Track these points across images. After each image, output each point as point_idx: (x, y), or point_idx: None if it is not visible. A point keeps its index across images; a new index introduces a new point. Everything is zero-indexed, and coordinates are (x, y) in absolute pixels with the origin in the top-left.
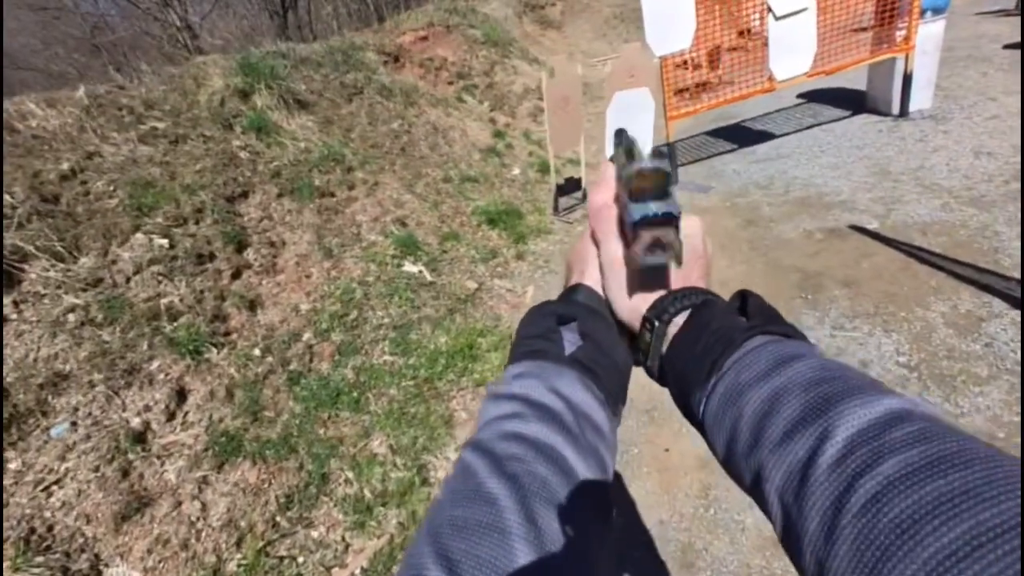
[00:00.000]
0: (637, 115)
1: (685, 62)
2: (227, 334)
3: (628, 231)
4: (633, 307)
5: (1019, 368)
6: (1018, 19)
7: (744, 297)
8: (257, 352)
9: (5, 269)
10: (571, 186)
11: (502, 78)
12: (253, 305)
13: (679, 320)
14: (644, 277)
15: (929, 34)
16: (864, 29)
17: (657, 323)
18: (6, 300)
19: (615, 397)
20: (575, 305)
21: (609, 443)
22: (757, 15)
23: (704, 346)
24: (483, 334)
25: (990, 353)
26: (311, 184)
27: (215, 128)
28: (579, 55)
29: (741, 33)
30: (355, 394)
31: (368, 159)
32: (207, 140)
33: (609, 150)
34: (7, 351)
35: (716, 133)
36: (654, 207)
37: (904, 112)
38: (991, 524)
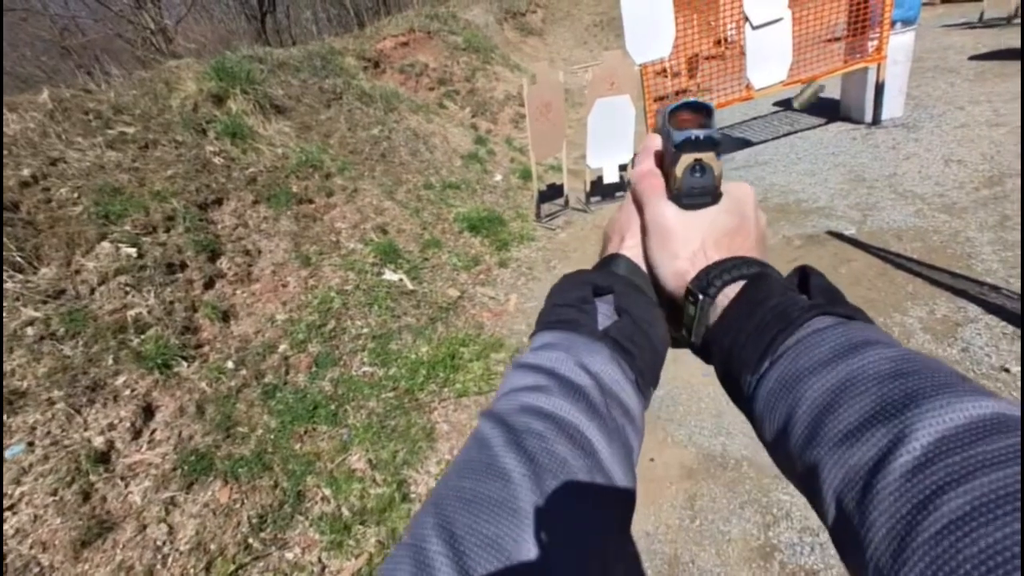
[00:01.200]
0: (618, 122)
1: (664, 70)
2: (199, 346)
3: (669, 158)
4: (678, 272)
5: (994, 372)
6: (982, 31)
7: (805, 273)
8: (230, 365)
9: None
10: (553, 192)
11: (484, 84)
12: (227, 316)
13: (729, 292)
14: (686, 204)
15: (899, 45)
16: (837, 39)
17: (703, 296)
18: None
19: (648, 380)
20: (613, 276)
21: (637, 427)
22: (733, 25)
23: (758, 323)
24: (465, 343)
25: (967, 358)
26: (288, 191)
27: (188, 133)
28: (560, 62)
29: (718, 42)
30: (333, 407)
31: (347, 165)
32: (179, 146)
33: (591, 157)
34: None
35: None
36: (696, 132)
37: (877, 120)
38: None
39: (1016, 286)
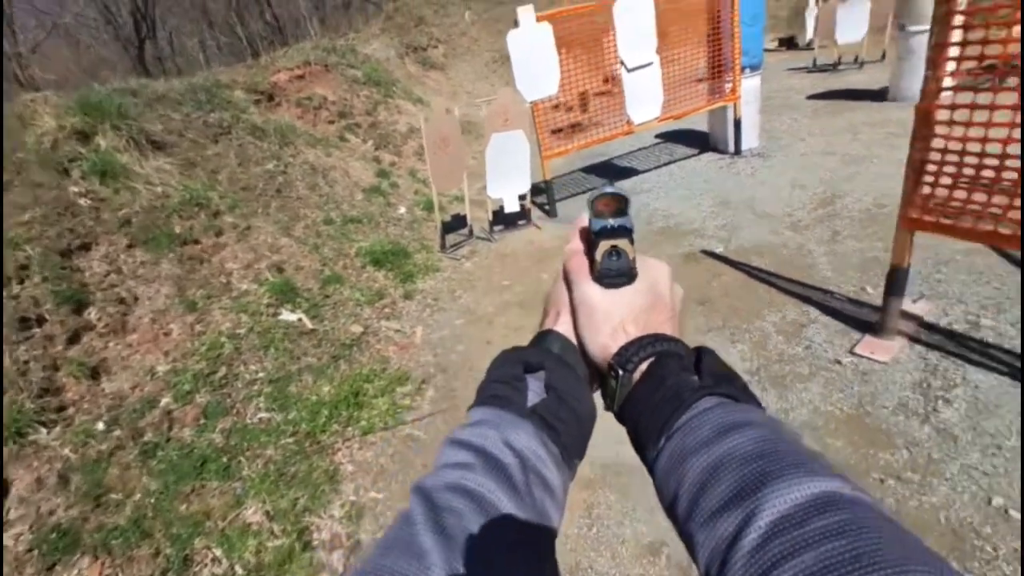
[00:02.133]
0: (514, 154)
1: (559, 105)
2: (61, 409)
3: (590, 243)
4: (603, 347)
5: (830, 365)
6: (816, 75)
7: (700, 353)
8: (100, 426)
9: None
10: (457, 223)
11: (386, 117)
12: (96, 372)
13: (642, 367)
14: (606, 284)
15: (750, 87)
16: (702, 80)
17: (622, 372)
18: None
19: (572, 452)
20: (545, 353)
21: (557, 499)
22: (618, 64)
23: (657, 402)
24: (370, 379)
25: (809, 355)
26: (170, 232)
27: (46, 174)
28: (463, 95)
29: (606, 80)
30: (225, 460)
31: (238, 202)
32: (36, 187)
33: (492, 188)
34: None
35: (589, 170)
36: (612, 221)
37: (738, 151)
38: None
39: (846, 289)
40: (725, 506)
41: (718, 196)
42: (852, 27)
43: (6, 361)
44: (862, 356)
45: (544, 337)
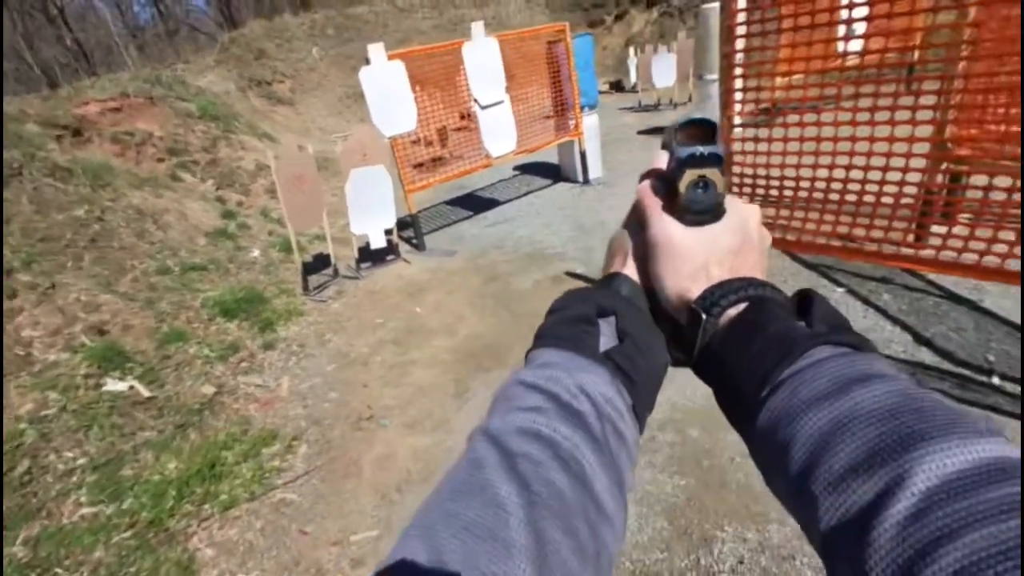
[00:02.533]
0: (376, 189)
1: (418, 140)
2: None
3: (673, 173)
4: (683, 291)
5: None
6: (642, 113)
7: (808, 299)
8: None
9: None
10: (320, 263)
11: (228, 154)
12: None
13: (732, 313)
14: (689, 220)
15: (590, 124)
16: (549, 117)
17: (706, 316)
18: None
19: (644, 406)
20: (617, 297)
21: (631, 453)
22: (474, 100)
23: (758, 351)
24: (228, 445)
25: None
26: None
27: None
28: (316, 131)
29: (463, 116)
30: None
31: (36, 257)
32: None
33: (355, 224)
34: None
35: (453, 202)
36: (701, 148)
37: (586, 180)
38: None
39: None
40: (860, 467)
41: (574, 222)
42: (664, 74)
43: None
44: None
45: (611, 280)
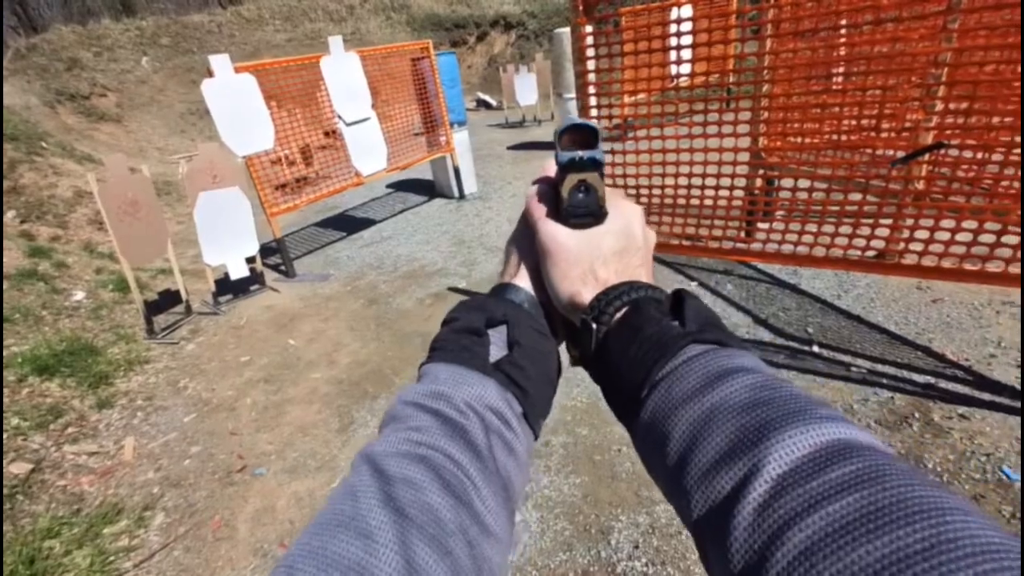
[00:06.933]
0: (232, 214)
1: (280, 159)
2: None
3: (556, 178)
4: (573, 294)
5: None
6: (510, 129)
7: (680, 298)
8: None
9: None
10: (169, 300)
11: (35, 180)
12: None
13: (618, 317)
14: (573, 223)
15: (460, 140)
16: (419, 134)
17: (596, 324)
18: None
19: (538, 411)
20: (508, 305)
21: (521, 462)
22: (338, 117)
23: (637, 353)
24: (54, 532)
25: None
26: None
27: None
28: (153, 152)
29: (327, 133)
30: None
31: None
32: None
33: (208, 254)
34: None
35: (325, 224)
36: (581, 153)
37: (462, 195)
38: None
39: None
40: (723, 460)
41: (453, 237)
42: (527, 93)
43: None
44: None
45: (503, 289)
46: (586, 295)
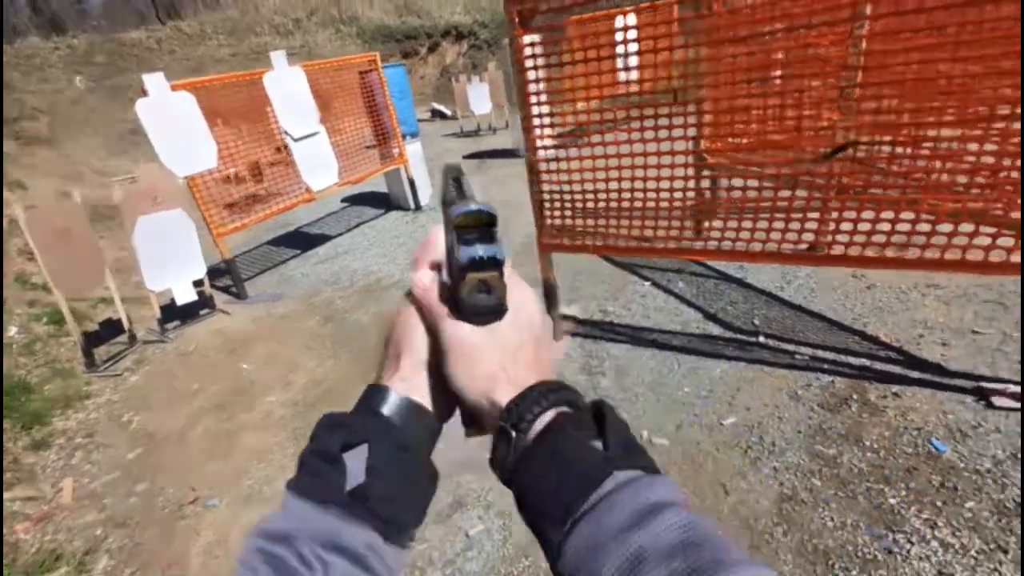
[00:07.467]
0: (175, 237)
1: (229, 177)
2: None
3: (455, 273)
4: (480, 392)
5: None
6: (465, 139)
7: (601, 411)
8: None
9: None
10: (111, 330)
11: None
12: None
13: (538, 428)
14: (474, 322)
15: (414, 151)
16: (371, 147)
17: (516, 434)
18: None
19: (402, 531)
20: (373, 421)
21: None
22: (285, 133)
23: (558, 481)
24: None
25: None
26: None
27: None
28: (91, 175)
29: (278, 149)
30: None
31: None
32: None
33: (151, 280)
34: None
35: (277, 241)
36: (481, 251)
37: (418, 206)
38: None
39: None
40: None
41: (410, 249)
42: (481, 102)
43: None
44: None
45: (373, 395)
46: (499, 395)
